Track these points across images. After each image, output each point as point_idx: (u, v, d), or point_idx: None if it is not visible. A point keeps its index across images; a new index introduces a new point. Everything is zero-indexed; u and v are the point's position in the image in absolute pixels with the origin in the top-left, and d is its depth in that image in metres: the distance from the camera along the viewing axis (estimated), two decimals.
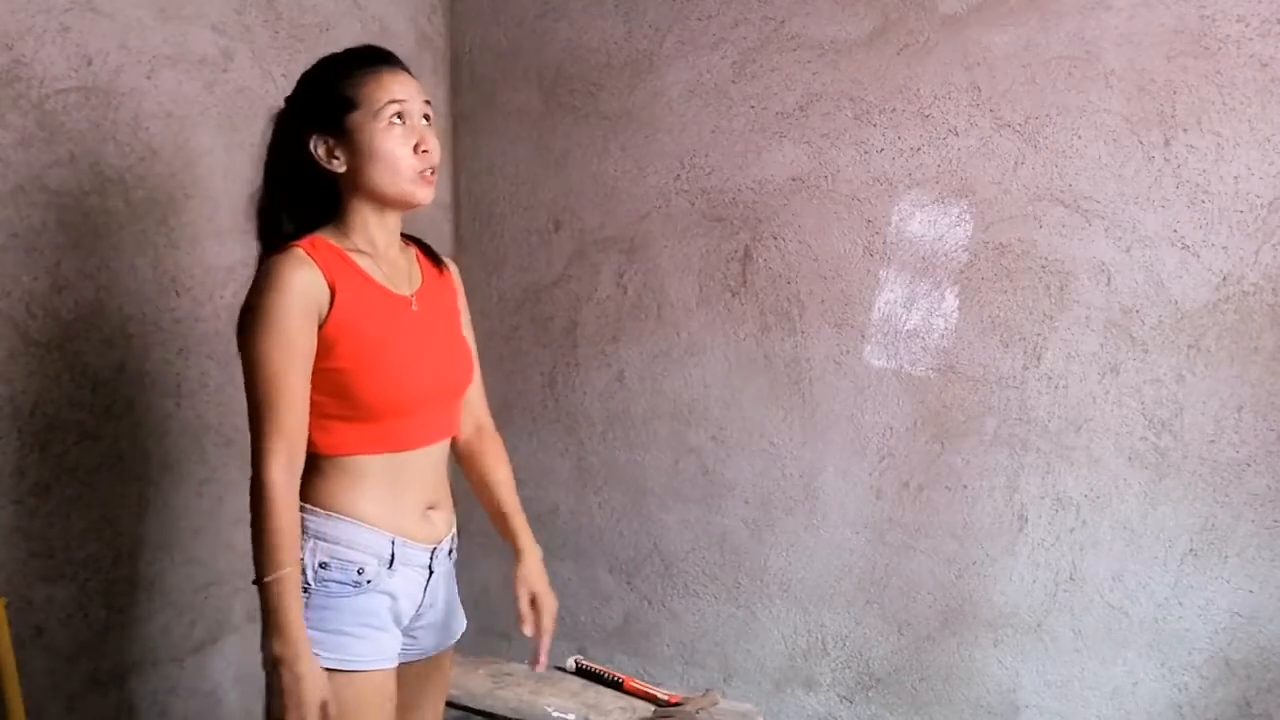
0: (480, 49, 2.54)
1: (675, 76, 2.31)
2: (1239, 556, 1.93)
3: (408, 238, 1.47)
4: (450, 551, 1.48)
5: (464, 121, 2.58)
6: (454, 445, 1.57)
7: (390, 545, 1.33)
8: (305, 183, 1.32)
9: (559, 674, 2.37)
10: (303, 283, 1.24)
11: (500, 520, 1.59)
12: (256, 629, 2.09)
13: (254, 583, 1.23)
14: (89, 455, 1.70)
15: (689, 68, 2.29)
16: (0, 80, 1.52)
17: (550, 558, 2.55)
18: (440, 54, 2.55)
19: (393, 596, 1.35)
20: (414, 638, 1.45)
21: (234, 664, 2.03)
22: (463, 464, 1.60)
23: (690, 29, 2.28)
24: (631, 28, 2.35)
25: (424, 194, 1.33)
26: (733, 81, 2.25)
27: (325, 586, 1.30)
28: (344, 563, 1.30)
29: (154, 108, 1.77)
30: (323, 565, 1.30)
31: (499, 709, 2.18)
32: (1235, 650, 1.96)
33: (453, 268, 1.55)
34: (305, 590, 1.28)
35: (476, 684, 2.20)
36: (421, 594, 1.41)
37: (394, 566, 1.34)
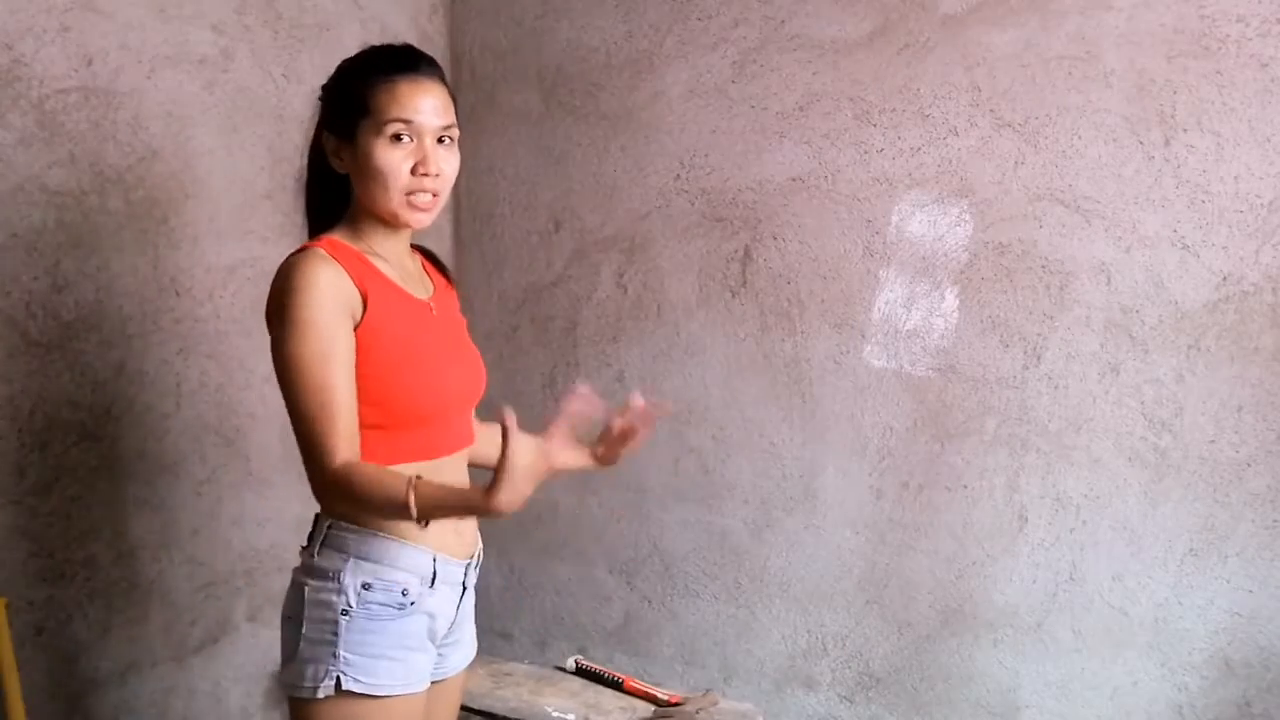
0: (480, 49, 2.54)
1: (675, 76, 2.31)
2: (1239, 556, 1.93)
3: (412, 246, 1.44)
4: (478, 565, 1.44)
5: (464, 121, 2.57)
6: None
7: (432, 563, 1.29)
8: (321, 175, 1.32)
9: (559, 674, 2.37)
10: (331, 281, 1.19)
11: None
12: (257, 629, 2.11)
13: (420, 522, 1.17)
14: (89, 455, 1.70)
15: (689, 68, 2.29)
16: (0, 80, 1.52)
17: (550, 558, 2.58)
18: (440, 54, 2.55)
19: (431, 616, 1.31)
20: (442, 655, 1.41)
21: (234, 664, 2.03)
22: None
23: (690, 29, 2.28)
24: (631, 28, 2.35)
25: (411, 218, 1.26)
26: (733, 81, 2.25)
27: (368, 609, 1.24)
28: (388, 583, 1.25)
29: (154, 108, 1.77)
30: (365, 586, 1.24)
31: (499, 709, 2.18)
32: (1235, 650, 1.96)
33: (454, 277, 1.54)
34: (345, 613, 1.23)
35: (476, 684, 2.20)
36: (455, 611, 1.38)
37: (435, 585, 1.30)
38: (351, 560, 1.24)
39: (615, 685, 2.30)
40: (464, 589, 1.38)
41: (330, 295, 1.18)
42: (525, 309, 2.56)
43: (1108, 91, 1.93)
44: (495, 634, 2.66)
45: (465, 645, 1.47)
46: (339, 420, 1.17)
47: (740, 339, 2.31)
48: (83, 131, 1.65)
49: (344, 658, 1.23)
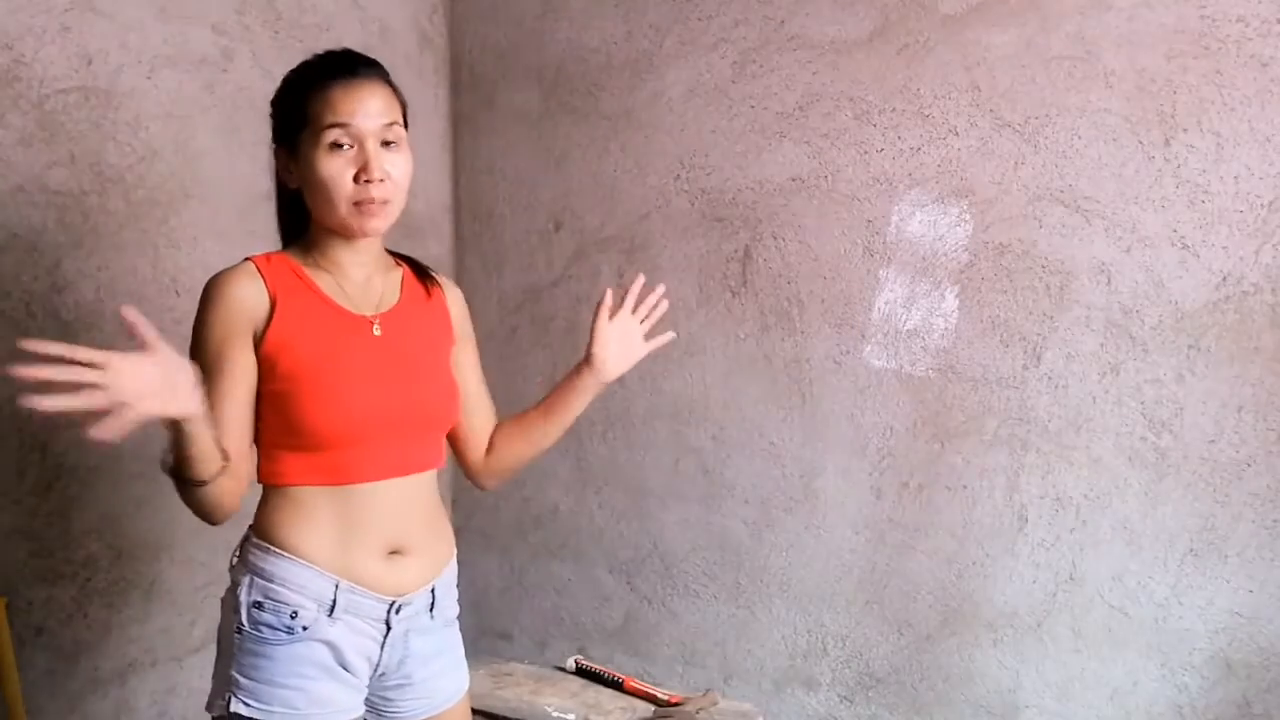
0: (480, 49, 2.54)
1: (675, 76, 2.31)
2: (1239, 556, 1.93)
3: (399, 257, 1.37)
4: (431, 607, 1.31)
5: (464, 121, 2.58)
6: (478, 466, 1.46)
7: (333, 589, 1.20)
8: (280, 191, 1.28)
9: (559, 674, 2.37)
10: (236, 297, 1.17)
11: (559, 398, 1.42)
12: None
13: (177, 464, 1.09)
14: (89, 455, 1.70)
15: (689, 68, 2.29)
16: (0, 80, 1.52)
17: (550, 558, 2.58)
18: (440, 54, 2.55)
19: (334, 647, 1.22)
20: (386, 698, 1.32)
21: None
22: (497, 460, 1.45)
23: (690, 29, 2.28)
24: (631, 28, 2.35)
25: (362, 225, 1.20)
26: (733, 81, 2.25)
27: (258, 630, 1.19)
28: (277, 604, 1.19)
29: (154, 108, 1.77)
30: (256, 605, 1.19)
31: (499, 709, 2.18)
32: (1235, 650, 1.96)
33: (450, 291, 1.42)
34: (238, 631, 1.20)
35: (477, 684, 2.20)
36: (379, 651, 1.26)
37: (335, 614, 1.20)
38: (249, 576, 1.21)
39: (615, 685, 2.30)
40: (389, 628, 1.25)
41: (231, 312, 1.16)
42: (525, 309, 2.55)
43: (1108, 91, 1.93)
44: (495, 634, 2.66)
45: (424, 694, 1.34)
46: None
47: (740, 339, 2.31)
48: (83, 131, 1.65)
49: (235, 679, 1.19)
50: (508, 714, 2.17)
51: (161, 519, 1.85)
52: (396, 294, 1.32)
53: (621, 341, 1.41)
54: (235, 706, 1.19)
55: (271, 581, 1.20)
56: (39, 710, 1.64)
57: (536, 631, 2.62)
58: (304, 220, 1.27)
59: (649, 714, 2.18)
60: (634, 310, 1.43)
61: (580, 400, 1.42)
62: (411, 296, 1.33)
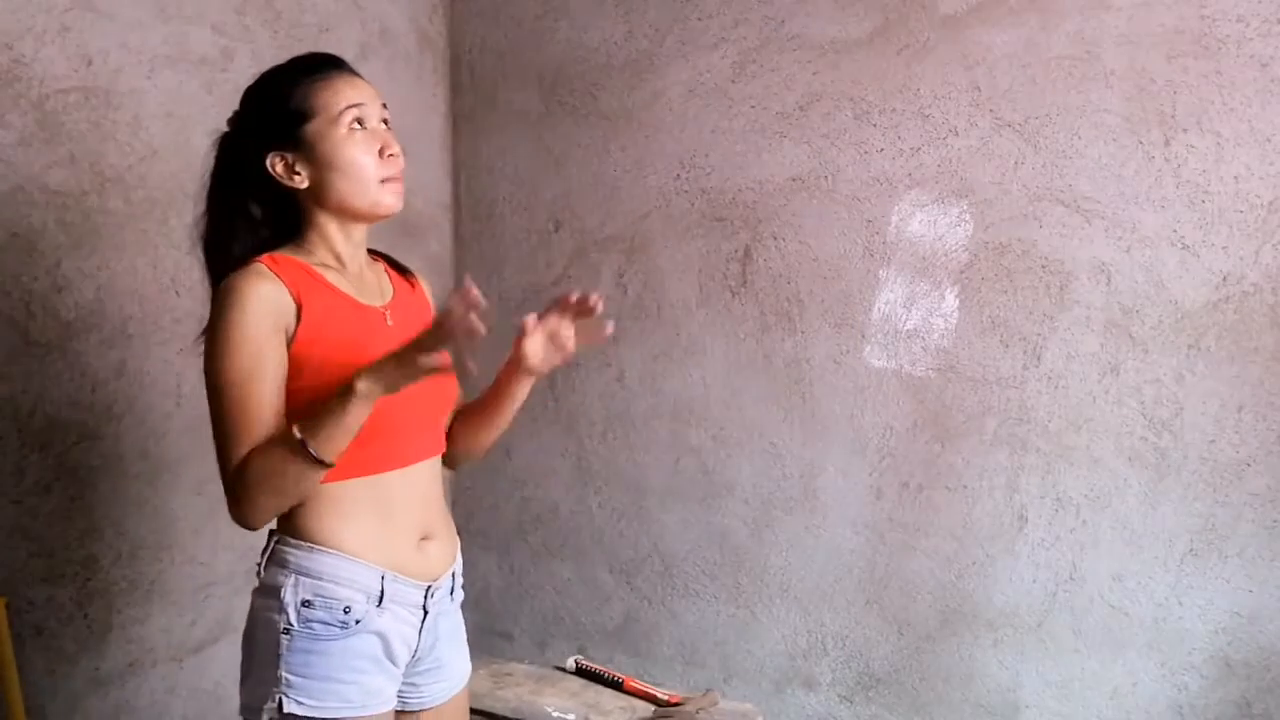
0: (480, 49, 2.54)
1: (675, 76, 2.31)
2: (1239, 556, 1.93)
3: (373, 252, 1.39)
4: (451, 591, 1.37)
5: (464, 121, 2.58)
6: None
7: (380, 580, 1.23)
8: (263, 204, 1.25)
9: (559, 674, 2.37)
10: (265, 296, 1.16)
11: (495, 398, 1.41)
12: None
13: (324, 459, 1.13)
14: (89, 455, 1.70)
15: (689, 68, 2.29)
16: (0, 80, 1.52)
17: (550, 558, 2.58)
18: (440, 54, 2.55)
19: (383, 637, 1.25)
20: (414, 684, 1.35)
21: (234, 664, 2.01)
22: (457, 448, 1.46)
23: (690, 29, 2.28)
24: (631, 28, 2.35)
25: (392, 201, 1.26)
26: (733, 81, 2.25)
27: (310, 628, 1.20)
28: (329, 600, 1.20)
29: (154, 108, 1.77)
30: (305, 604, 1.20)
31: (499, 709, 2.18)
32: (1235, 650, 1.96)
33: (422, 281, 1.47)
34: (286, 632, 1.20)
35: (477, 684, 2.20)
36: (417, 637, 1.30)
37: (384, 604, 1.24)
38: (293, 576, 1.20)
39: (615, 685, 2.30)
40: (425, 613, 1.30)
41: (262, 311, 1.16)
42: (525, 309, 2.52)
43: (1108, 91, 1.93)
44: (495, 634, 2.66)
45: (446, 676, 1.39)
46: (255, 436, 1.15)
47: (740, 339, 2.31)
48: (83, 131, 1.65)
49: (286, 679, 1.19)
50: (508, 714, 2.17)
51: (161, 519, 1.85)
52: (390, 286, 1.37)
53: (551, 342, 1.36)
54: (289, 707, 1.19)
55: (320, 579, 1.20)
56: (39, 710, 1.64)
57: (536, 631, 2.62)
58: (291, 225, 1.27)
59: (649, 714, 2.18)
60: (562, 315, 1.35)
61: (518, 395, 1.41)
62: (400, 288, 1.39)
